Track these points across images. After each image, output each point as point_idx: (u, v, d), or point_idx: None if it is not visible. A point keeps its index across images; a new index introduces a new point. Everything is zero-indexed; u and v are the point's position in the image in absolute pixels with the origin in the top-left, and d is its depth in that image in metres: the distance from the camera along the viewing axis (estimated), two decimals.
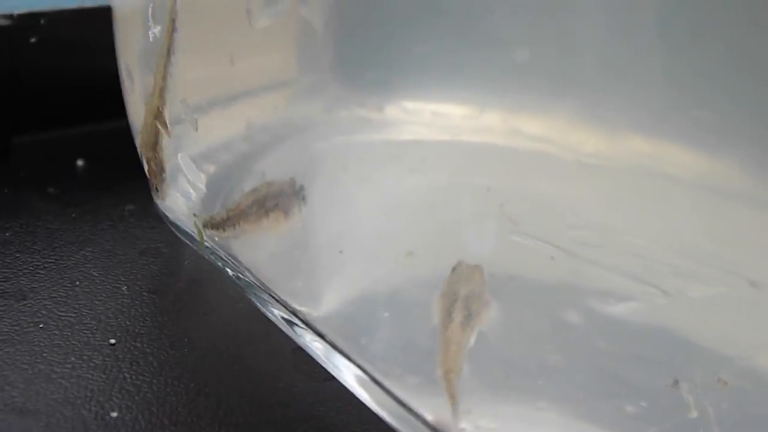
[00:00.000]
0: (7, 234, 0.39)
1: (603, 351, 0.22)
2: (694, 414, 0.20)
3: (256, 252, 0.32)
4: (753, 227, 0.19)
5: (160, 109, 0.32)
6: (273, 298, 0.31)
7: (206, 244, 0.33)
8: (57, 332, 0.32)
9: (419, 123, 0.25)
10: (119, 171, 0.45)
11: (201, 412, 0.29)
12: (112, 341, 0.32)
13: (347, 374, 0.29)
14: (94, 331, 0.33)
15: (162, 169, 0.34)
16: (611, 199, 0.21)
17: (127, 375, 0.30)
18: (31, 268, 0.36)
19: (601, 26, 0.20)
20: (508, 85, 0.22)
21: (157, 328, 0.33)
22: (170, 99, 0.31)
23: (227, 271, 0.34)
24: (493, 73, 0.23)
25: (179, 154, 0.31)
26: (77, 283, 0.35)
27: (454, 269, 0.24)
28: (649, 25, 0.20)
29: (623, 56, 0.20)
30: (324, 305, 0.29)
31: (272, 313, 0.32)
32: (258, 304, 0.33)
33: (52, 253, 0.37)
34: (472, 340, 0.24)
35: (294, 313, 0.30)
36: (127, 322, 0.33)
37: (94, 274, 0.36)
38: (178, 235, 0.37)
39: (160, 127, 0.33)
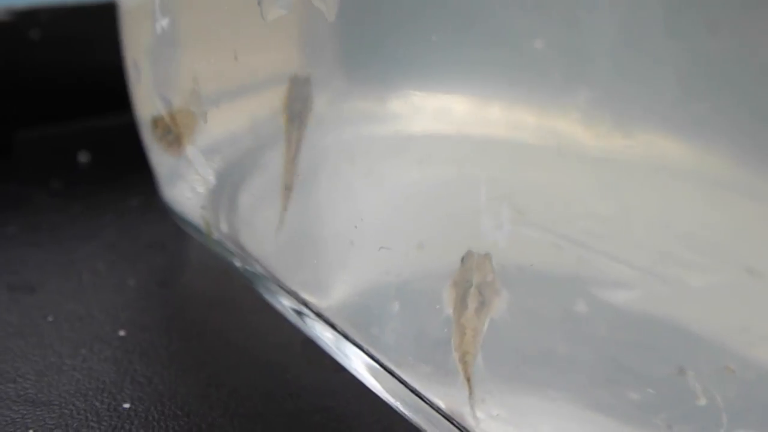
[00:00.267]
0: (12, 228, 0.39)
1: (609, 339, 0.22)
2: (702, 402, 0.20)
3: (265, 243, 0.32)
4: (752, 217, 0.19)
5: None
6: (282, 289, 0.31)
7: (214, 237, 0.33)
8: (66, 325, 0.32)
9: (424, 116, 0.25)
10: (122, 165, 0.45)
11: (213, 403, 0.29)
12: (122, 333, 0.32)
13: (358, 364, 0.29)
14: (103, 323, 0.33)
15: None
16: (615, 190, 0.21)
17: (137, 367, 0.30)
18: (38, 262, 0.36)
19: (606, 18, 0.20)
20: (511, 77, 0.23)
21: (166, 320, 0.33)
22: (179, 89, 0.31)
23: (235, 263, 0.34)
24: (495, 66, 0.23)
25: (188, 147, 0.32)
26: (84, 276, 0.35)
27: (464, 258, 0.24)
28: (652, 18, 0.20)
29: (626, 49, 0.20)
30: (335, 296, 0.30)
31: (281, 304, 0.32)
32: (266, 295, 0.33)
33: (58, 247, 0.37)
34: (485, 327, 0.24)
35: (304, 303, 0.31)
36: (136, 315, 0.33)
37: (101, 267, 0.36)
38: (184, 228, 0.37)
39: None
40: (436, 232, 0.25)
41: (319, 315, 0.30)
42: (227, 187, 0.32)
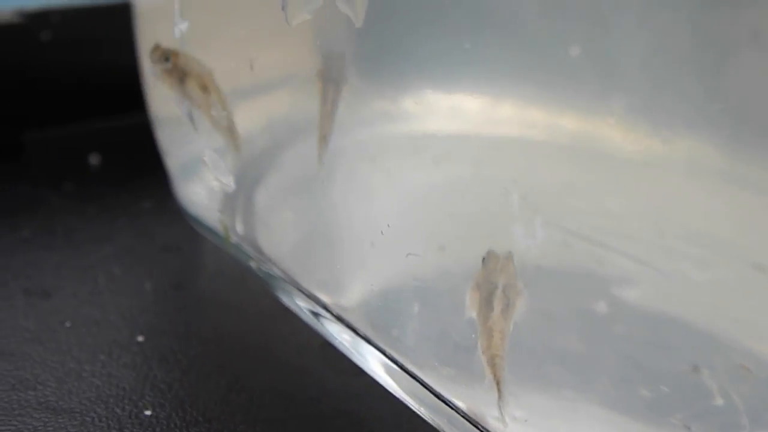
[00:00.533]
0: (26, 232, 0.39)
1: (625, 338, 0.22)
2: (719, 401, 0.20)
3: (282, 245, 0.32)
4: (759, 211, 0.19)
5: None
6: (300, 291, 0.31)
7: (232, 240, 0.33)
8: (84, 330, 0.32)
9: (438, 115, 0.25)
10: (133, 167, 0.45)
11: (234, 408, 0.29)
12: (140, 338, 0.32)
13: (378, 367, 0.29)
14: (121, 328, 0.32)
15: None
16: (628, 187, 0.21)
17: (157, 373, 0.30)
18: (54, 266, 0.36)
19: (613, 20, 0.20)
20: (523, 76, 0.23)
21: (184, 324, 0.33)
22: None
23: (251, 266, 0.34)
24: (508, 66, 0.23)
25: (205, 150, 0.31)
26: (100, 280, 0.35)
27: (485, 259, 0.24)
28: (656, 24, 0.20)
29: (633, 49, 0.20)
30: (354, 297, 0.30)
31: (298, 306, 0.32)
32: (283, 298, 0.33)
33: (72, 251, 0.37)
34: (511, 328, 0.24)
35: (323, 305, 0.31)
36: (153, 319, 0.33)
37: (116, 271, 0.36)
38: (199, 231, 0.37)
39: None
40: (456, 233, 0.25)
41: (338, 317, 0.30)
42: (243, 188, 0.32)
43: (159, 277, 0.36)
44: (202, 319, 0.34)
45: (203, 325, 0.33)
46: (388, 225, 0.25)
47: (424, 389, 0.27)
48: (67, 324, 0.32)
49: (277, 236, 0.33)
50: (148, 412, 0.28)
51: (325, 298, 0.31)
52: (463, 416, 0.26)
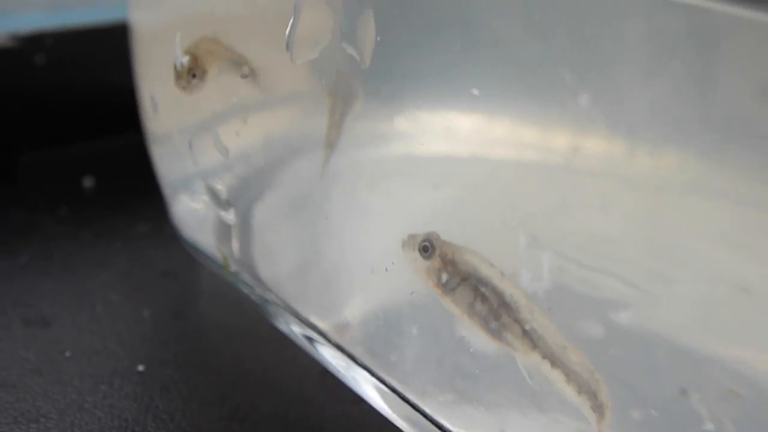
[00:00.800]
0: (23, 258, 0.39)
1: (616, 360, 0.22)
2: (710, 426, 0.20)
3: (280, 272, 0.33)
4: (748, 234, 0.20)
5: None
6: (297, 317, 0.32)
7: (232, 269, 0.33)
8: (84, 360, 0.32)
9: (434, 136, 0.25)
10: (127, 190, 0.45)
11: None
12: (140, 368, 0.32)
13: (376, 395, 0.29)
14: (121, 358, 0.33)
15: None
16: (616, 210, 0.21)
17: (159, 403, 0.30)
18: (51, 294, 0.36)
19: (614, 35, 0.21)
20: (517, 97, 0.23)
21: (183, 353, 0.33)
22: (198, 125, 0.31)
23: (248, 294, 0.34)
24: (503, 86, 0.23)
25: (208, 181, 0.32)
26: (98, 308, 0.36)
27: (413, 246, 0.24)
28: (648, 42, 0.20)
29: (621, 66, 0.21)
30: (352, 323, 0.30)
31: (296, 333, 0.32)
32: (281, 326, 0.33)
33: (70, 278, 0.37)
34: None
35: (320, 332, 0.31)
36: (153, 348, 0.33)
37: (114, 298, 0.36)
38: (195, 256, 0.37)
39: None
40: None
41: (336, 344, 0.30)
42: (240, 212, 0.32)
43: (157, 304, 0.36)
44: (201, 347, 0.34)
45: (202, 354, 0.33)
46: (393, 262, 0.25)
47: (422, 417, 0.28)
48: (67, 354, 0.33)
49: (274, 262, 0.33)
50: None
51: (322, 324, 0.31)
52: None
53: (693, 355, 0.21)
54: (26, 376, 0.31)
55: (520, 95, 0.23)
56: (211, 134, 0.31)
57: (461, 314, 0.24)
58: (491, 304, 0.23)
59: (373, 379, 0.29)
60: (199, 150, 0.33)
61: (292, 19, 0.26)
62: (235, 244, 0.33)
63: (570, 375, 0.23)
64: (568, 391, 0.23)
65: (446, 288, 0.24)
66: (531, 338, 0.23)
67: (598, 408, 0.23)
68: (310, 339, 0.31)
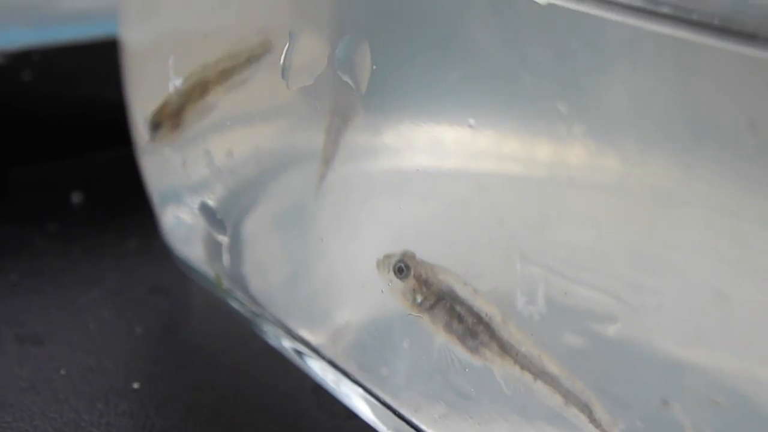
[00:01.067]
0: (14, 275, 0.39)
1: (599, 372, 0.23)
2: None
3: (270, 286, 0.33)
4: (725, 240, 0.20)
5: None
6: (288, 332, 0.32)
7: (224, 287, 0.34)
8: (79, 377, 0.33)
9: (419, 150, 0.26)
10: (116, 205, 0.45)
11: None
12: (135, 385, 0.32)
13: (368, 410, 0.30)
14: (116, 375, 0.33)
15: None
16: (598, 220, 0.22)
17: (155, 421, 0.31)
18: (44, 312, 0.36)
19: (590, 51, 0.21)
20: (502, 110, 0.23)
21: (177, 370, 0.34)
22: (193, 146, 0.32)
23: (238, 309, 0.34)
24: (487, 99, 0.23)
25: (201, 201, 0.32)
26: (91, 325, 0.36)
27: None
28: (628, 55, 0.21)
29: (604, 79, 0.21)
30: (343, 337, 0.30)
31: (288, 349, 0.33)
32: (272, 341, 0.33)
33: (62, 295, 0.38)
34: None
35: (311, 347, 0.31)
36: (147, 365, 0.34)
37: (106, 315, 0.37)
38: (186, 272, 0.37)
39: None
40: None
41: (327, 359, 0.31)
42: (228, 222, 0.33)
43: (149, 321, 0.36)
44: (194, 364, 0.34)
45: (196, 370, 0.34)
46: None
47: (415, 431, 0.28)
48: (62, 372, 0.33)
49: (264, 276, 0.34)
50: None
51: (312, 338, 0.31)
52: None
53: (674, 366, 0.21)
54: (22, 394, 0.31)
55: (503, 108, 0.23)
56: (204, 154, 0.31)
57: (439, 332, 0.25)
58: (467, 323, 0.24)
59: (365, 394, 0.29)
60: (191, 165, 0.33)
61: (287, 46, 0.26)
62: (226, 259, 0.33)
63: (553, 386, 0.23)
64: (554, 402, 0.23)
65: (422, 308, 0.24)
66: (509, 353, 0.23)
67: (595, 421, 0.23)
68: (300, 353, 0.32)
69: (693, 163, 0.19)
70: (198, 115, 0.32)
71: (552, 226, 0.23)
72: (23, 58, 0.46)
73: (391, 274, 0.25)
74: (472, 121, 0.23)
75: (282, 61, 0.26)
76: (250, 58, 0.29)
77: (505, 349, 0.23)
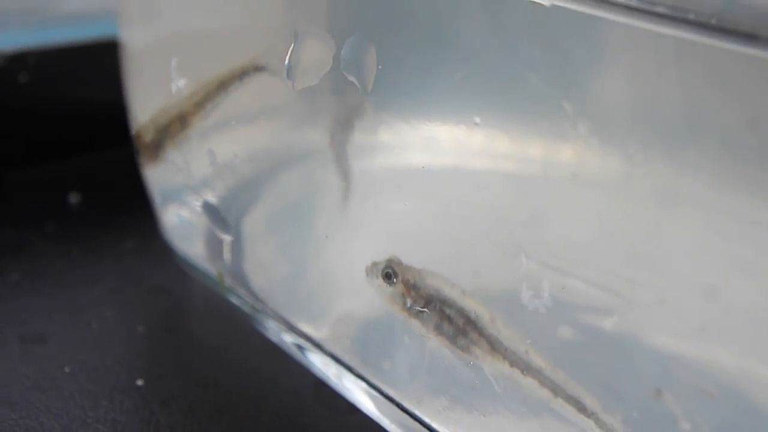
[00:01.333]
0: (15, 276, 0.39)
1: (596, 365, 0.23)
2: (686, 426, 0.21)
3: (271, 282, 0.33)
4: (717, 235, 0.20)
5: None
6: (289, 327, 0.32)
7: (227, 285, 0.34)
8: (83, 376, 0.33)
9: (414, 148, 0.26)
10: (113, 205, 0.45)
11: None
12: (139, 383, 0.33)
13: (370, 403, 0.30)
14: (119, 373, 0.33)
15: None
16: (592, 216, 0.22)
17: (160, 417, 0.31)
18: (46, 312, 0.37)
19: (584, 49, 0.22)
20: (496, 107, 0.24)
21: (180, 367, 0.34)
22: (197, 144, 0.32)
23: (239, 305, 0.35)
24: (482, 96, 0.24)
25: (204, 200, 0.32)
26: (93, 324, 0.36)
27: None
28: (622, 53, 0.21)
29: (598, 75, 0.21)
30: (344, 331, 0.31)
31: (289, 344, 0.33)
32: (273, 337, 0.34)
33: (62, 295, 0.38)
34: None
35: (313, 342, 0.32)
36: (150, 363, 0.34)
37: (108, 314, 0.37)
38: (186, 270, 0.38)
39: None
40: (445, 269, 0.26)
41: (329, 353, 0.31)
42: (228, 220, 0.33)
43: (151, 319, 0.37)
44: (196, 361, 0.35)
45: (198, 368, 0.34)
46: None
47: (419, 424, 0.28)
48: (66, 369, 0.33)
49: (265, 272, 0.34)
50: None
51: (314, 333, 0.32)
52: None
53: (668, 358, 0.21)
54: (27, 392, 0.32)
55: (497, 106, 0.24)
56: (208, 153, 0.31)
57: (428, 335, 0.25)
58: (457, 323, 0.25)
59: (368, 387, 0.30)
60: (194, 164, 0.33)
61: (292, 46, 0.26)
62: (227, 256, 0.34)
63: (541, 380, 0.24)
64: (543, 395, 0.24)
65: (412, 312, 0.25)
66: (498, 350, 0.24)
67: (584, 411, 0.23)
68: (302, 348, 0.32)
69: (691, 162, 0.20)
70: (176, 145, 0.32)
71: (546, 223, 0.23)
72: (20, 60, 0.46)
73: (380, 280, 0.25)
74: (477, 119, 0.23)
75: (287, 61, 0.27)
76: (223, 84, 0.30)
77: (494, 346, 0.24)
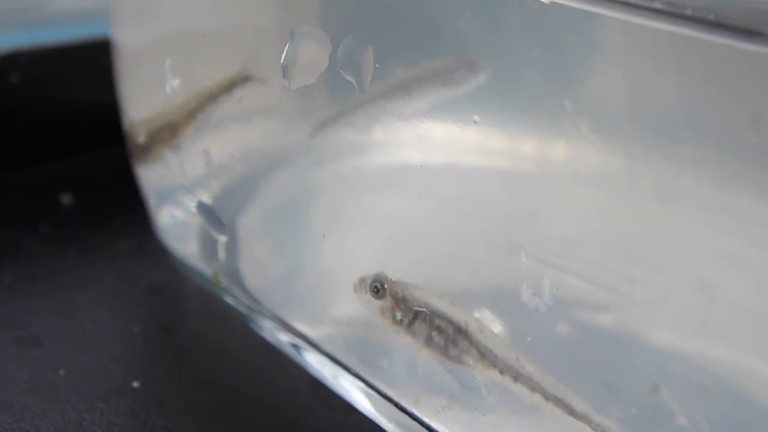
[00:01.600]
0: (8, 278, 0.39)
1: (592, 361, 0.23)
2: (682, 421, 0.21)
3: (266, 282, 0.33)
4: (713, 232, 0.20)
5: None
6: (286, 327, 0.32)
7: (223, 285, 0.34)
8: (79, 378, 0.33)
9: (408, 146, 0.26)
10: (107, 205, 0.45)
11: None
12: (135, 384, 0.33)
13: (367, 402, 0.30)
14: (115, 374, 0.33)
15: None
16: (588, 212, 0.22)
17: (156, 419, 0.31)
18: (41, 314, 0.36)
19: (578, 46, 0.21)
20: (487, 103, 0.24)
21: (176, 368, 0.34)
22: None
23: (235, 306, 0.34)
24: (474, 92, 0.24)
25: (199, 200, 0.32)
26: (88, 326, 0.36)
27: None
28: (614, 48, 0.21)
29: (592, 72, 0.21)
30: (340, 331, 0.30)
31: (285, 343, 0.33)
32: (269, 337, 0.34)
33: (57, 297, 0.38)
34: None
35: (310, 342, 0.31)
36: (146, 364, 0.34)
37: (103, 315, 0.37)
38: (181, 270, 0.38)
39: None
40: (442, 267, 0.26)
41: (326, 354, 0.31)
42: (223, 218, 0.33)
43: (147, 320, 0.37)
44: (192, 362, 0.34)
45: (194, 368, 0.34)
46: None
47: (416, 423, 0.28)
48: (62, 372, 0.33)
49: (260, 272, 0.34)
50: None
51: (310, 332, 0.32)
52: None
53: (666, 354, 0.21)
54: (22, 395, 0.32)
55: (494, 104, 0.24)
56: (203, 153, 0.31)
57: (419, 348, 0.25)
58: (447, 333, 0.25)
59: (365, 387, 0.30)
60: (189, 164, 0.33)
61: (288, 45, 0.26)
62: (222, 256, 0.34)
63: (531, 386, 0.24)
64: (534, 401, 0.24)
65: (401, 325, 0.25)
66: (488, 358, 0.24)
67: (575, 414, 0.24)
68: (298, 348, 0.32)
69: (690, 159, 0.20)
70: (168, 149, 0.32)
71: (542, 219, 0.23)
72: (11, 61, 0.45)
73: (369, 294, 0.26)
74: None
75: (283, 59, 0.26)
76: (213, 96, 0.30)
77: (484, 354, 0.24)
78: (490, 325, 0.25)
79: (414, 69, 0.24)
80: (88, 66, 0.47)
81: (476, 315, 0.25)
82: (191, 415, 0.31)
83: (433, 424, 0.28)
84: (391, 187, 0.27)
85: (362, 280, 0.26)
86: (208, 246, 0.34)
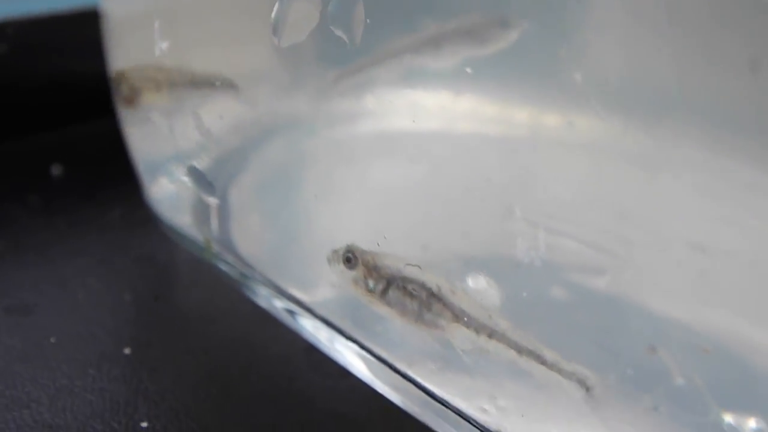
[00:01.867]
0: None
1: (588, 324, 0.23)
2: (680, 381, 0.21)
3: (261, 249, 0.33)
4: (706, 195, 0.20)
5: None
6: (279, 292, 0.32)
7: (214, 251, 0.34)
8: (70, 345, 0.33)
9: (400, 114, 0.26)
10: (97, 176, 0.45)
11: (227, 416, 0.29)
12: (127, 351, 0.32)
13: (362, 366, 0.30)
14: (107, 341, 0.33)
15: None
16: (580, 176, 0.22)
17: (148, 384, 0.31)
18: (31, 282, 0.36)
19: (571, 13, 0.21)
20: (480, 71, 0.24)
21: (168, 335, 0.34)
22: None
23: (228, 272, 0.34)
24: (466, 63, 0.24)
25: (191, 164, 0.32)
26: (79, 294, 0.36)
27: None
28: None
29: (583, 37, 0.21)
30: (336, 296, 0.30)
31: (279, 309, 0.33)
32: (263, 303, 0.33)
33: (48, 266, 0.37)
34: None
35: (303, 306, 0.31)
36: (137, 331, 0.34)
37: (94, 284, 0.36)
38: (172, 237, 0.37)
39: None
40: (437, 233, 0.26)
41: (321, 318, 0.31)
42: (218, 190, 0.33)
43: (137, 288, 0.36)
44: (184, 329, 0.34)
45: (187, 335, 0.34)
46: (385, 237, 0.26)
47: (411, 385, 0.28)
48: (53, 339, 0.33)
49: (254, 238, 0.34)
50: (144, 424, 0.29)
51: (305, 297, 0.31)
52: (455, 411, 0.27)
53: (662, 316, 0.21)
54: (13, 363, 0.31)
55: (484, 71, 0.24)
56: (194, 117, 0.31)
57: (394, 316, 0.25)
58: (421, 298, 0.25)
59: (359, 350, 0.30)
60: (179, 130, 0.33)
61: (278, 2, 0.26)
62: (215, 223, 0.33)
63: (506, 341, 0.24)
64: (509, 356, 0.24)
65: (375, 293, 0.25)
66: (462, 319, 0.24)
67: (546, 363, 0.24)
68: (292, 313, 0.32)
69: (682, 123, 0.20)
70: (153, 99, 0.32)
71: (536, 184, 0.23)
72: None
73: (342, 265, 0.26)
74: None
75: (273, 17, 0.26)
76: (194, 83, 0.30)
77: (458, 315, 0.24)
78: (485, 291, 0.25)
79: (445, 25, 0.24)
80: (77, 36, 0.46)
81: (470, 281, 0.25)
82: (183, 381, 0.31)
83: (428, 386, 0.28)
84: (384, 153, 0.27)
85: (335, 251, 0.26)
86: (200, 213, 0.34)
